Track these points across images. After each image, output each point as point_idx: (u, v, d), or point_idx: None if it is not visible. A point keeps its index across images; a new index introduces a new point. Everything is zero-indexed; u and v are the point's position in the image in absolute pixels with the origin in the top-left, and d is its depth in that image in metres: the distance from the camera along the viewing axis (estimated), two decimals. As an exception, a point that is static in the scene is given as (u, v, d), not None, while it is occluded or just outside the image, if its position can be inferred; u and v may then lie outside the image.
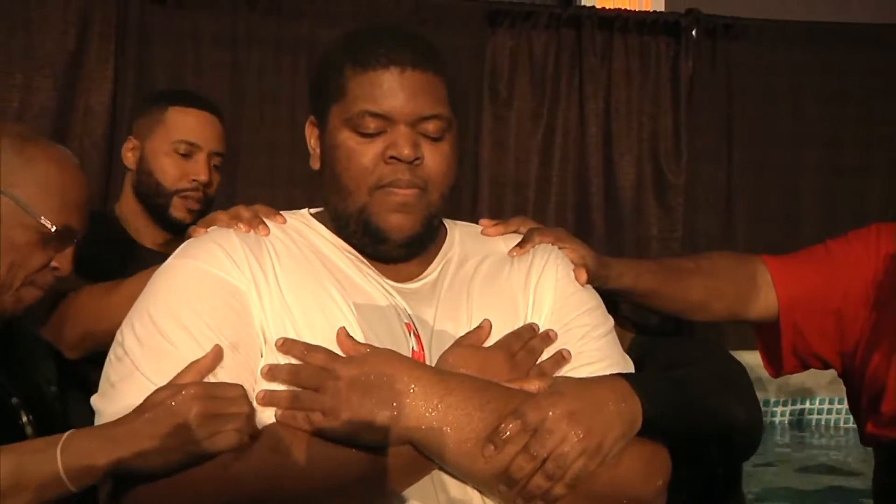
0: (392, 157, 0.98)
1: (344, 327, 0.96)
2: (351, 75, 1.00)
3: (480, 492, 0.95)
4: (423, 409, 0.90)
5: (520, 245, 1.12)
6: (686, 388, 1.06)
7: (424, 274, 1.06)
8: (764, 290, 1.37)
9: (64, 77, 3.35)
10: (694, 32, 3.82)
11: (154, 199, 1.71)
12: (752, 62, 3.88)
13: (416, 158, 0.99)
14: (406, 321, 1.01)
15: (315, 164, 1.08)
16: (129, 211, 1.75)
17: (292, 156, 3.41)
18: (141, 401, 0.91)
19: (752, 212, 3.88)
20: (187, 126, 1.71)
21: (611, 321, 1.10)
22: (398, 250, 1.03)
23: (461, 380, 0.94)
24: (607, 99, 3.79)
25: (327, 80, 1.03)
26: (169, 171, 1.70)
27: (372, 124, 0.99)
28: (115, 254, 1.65)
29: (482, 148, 3.72)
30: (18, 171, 1.17)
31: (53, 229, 1.18)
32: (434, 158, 1.01)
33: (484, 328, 1.01)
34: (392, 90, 0.98)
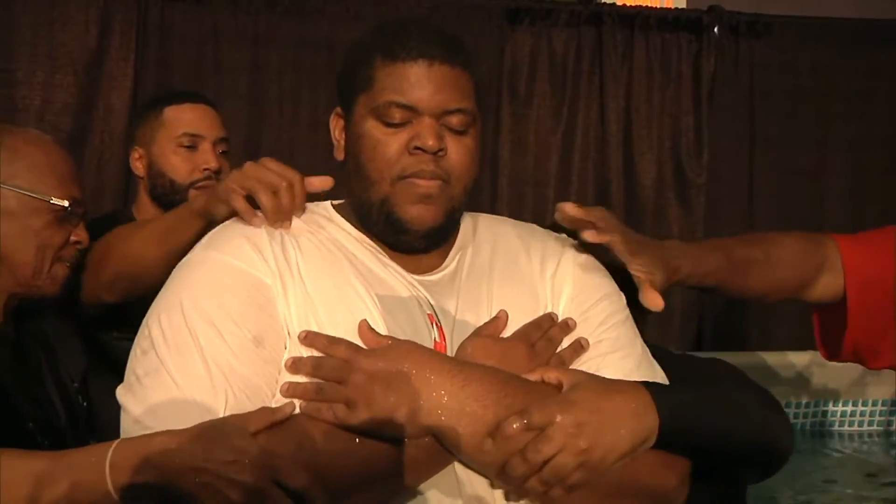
0: (416, 148, 0.99)
1: (365, 319, 0.96)
2: (380, 66, 1.01)
3: (504, 493, 0.95)
4: (443, 400, 0.91)
5: (598, 232, 1.09)
6: (719, 407, 1.03)
7: (443, 265, 1.07)
8: (827, 274, 1.31)
9: (85, 75, 3.38)
10: (716, 30, 3.78)
11: (170, 198, 1.76)
12: (776, 60, 3.83)
13: (440, 150, 1.00)
14: (428, 312, 1.01)
15: (339, 155, 1.08)
16: (147, 215, 1.80)
17: (312, 155, 3.41)
18: (165, 400, 0.91)
19: (774, 213, 3.84)
20: (186, 119, 1.78)
21: (628, 308, 1.10)
22: (419, 241, 1.03)
23: (483, 371, 0.94)
24: (628, 97, 3.77)
25: (356, 71, 1.04)
26: (179, 166, 1.76)
27: (398, 115, 1.00)
28: None
29: (501, 147, 3.71)
30: (8, 163, 1.20)
31: (66, 205, 1.23)
32: (457, 151, 1.02)
33: (500, 318, 1.02)
34: (419, 82, 0.99)
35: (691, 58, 3.80)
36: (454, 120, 1.01)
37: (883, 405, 3.48)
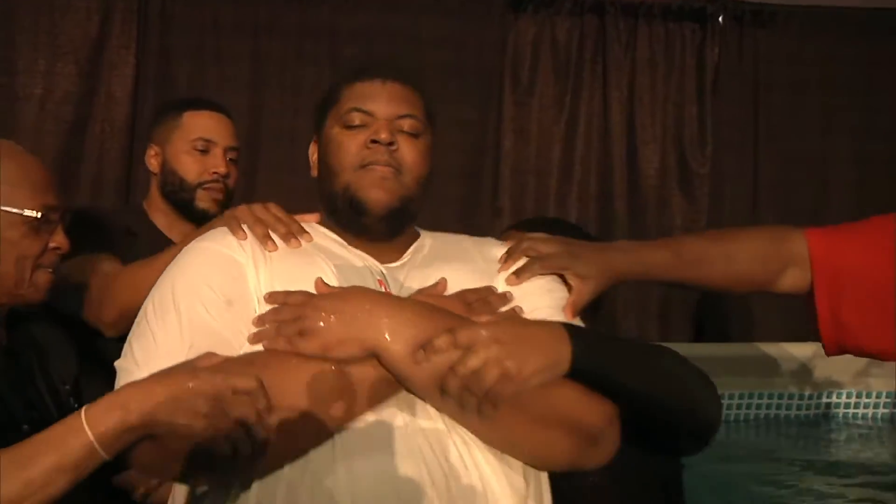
0: (373, 142, 1.19)
1: (321, 277, 1.14)
2: (345, 87, 1.25)
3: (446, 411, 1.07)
4: (382, 325, 1.06)
5: (517, 274, 1.23)
6: (635, 354, 1.14)
7: (403, 257, 1.24)
8: (793, 267, 1.34)
9: (86, 63, 3.38)
10: (720, 19, 3.77)
11: (179, 195, 1.92)
12: (781, 50, 3.82)
13: (392, 143, 1.19)
14: (378, 278, 1.19)
15: (314, 172, 1.28)
16: (157, 209, 1.96)
17: (313, 144, 3.40)
18: (145, 354, 1.07)
19: (778, 203, 3.83)
20: (202, 125, 1.93)
21: (567, 295, 1.23)
22: (379, 224, 1.20)
23: (419, 304, 1.11)
24: (631, 87, 3.76)
25: (328, 99, 1.27)
26: (190, 167, 1.91)
27: (357, 118, 1.21)
28: (148, 245, 1.81)
29: (503, 136, 3.69)
30: None
31: (39, 215, 1.27)
32: (409, 149, 1.21)
33: (440, 283, 1.18)
34: (375, 95, 1.22)
35: (695, 47, 3.79)
36: (405, 123, 1.22)
37: (887, 396, 3.48)
